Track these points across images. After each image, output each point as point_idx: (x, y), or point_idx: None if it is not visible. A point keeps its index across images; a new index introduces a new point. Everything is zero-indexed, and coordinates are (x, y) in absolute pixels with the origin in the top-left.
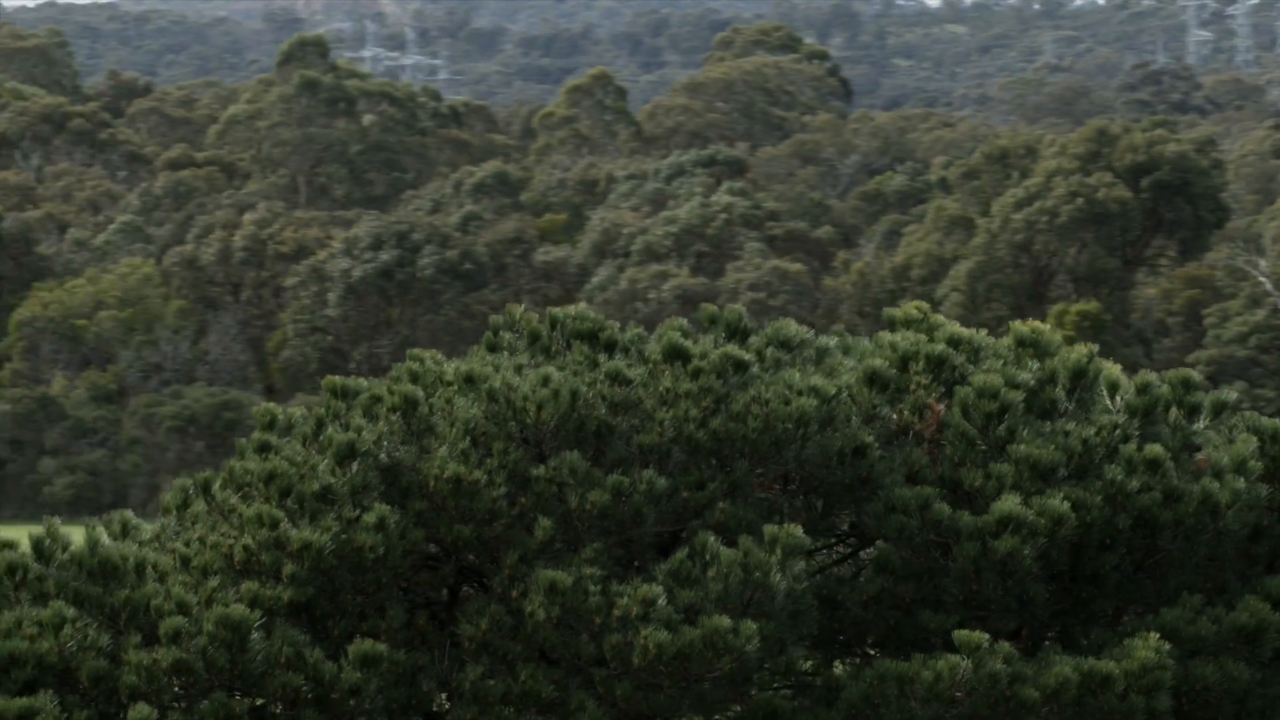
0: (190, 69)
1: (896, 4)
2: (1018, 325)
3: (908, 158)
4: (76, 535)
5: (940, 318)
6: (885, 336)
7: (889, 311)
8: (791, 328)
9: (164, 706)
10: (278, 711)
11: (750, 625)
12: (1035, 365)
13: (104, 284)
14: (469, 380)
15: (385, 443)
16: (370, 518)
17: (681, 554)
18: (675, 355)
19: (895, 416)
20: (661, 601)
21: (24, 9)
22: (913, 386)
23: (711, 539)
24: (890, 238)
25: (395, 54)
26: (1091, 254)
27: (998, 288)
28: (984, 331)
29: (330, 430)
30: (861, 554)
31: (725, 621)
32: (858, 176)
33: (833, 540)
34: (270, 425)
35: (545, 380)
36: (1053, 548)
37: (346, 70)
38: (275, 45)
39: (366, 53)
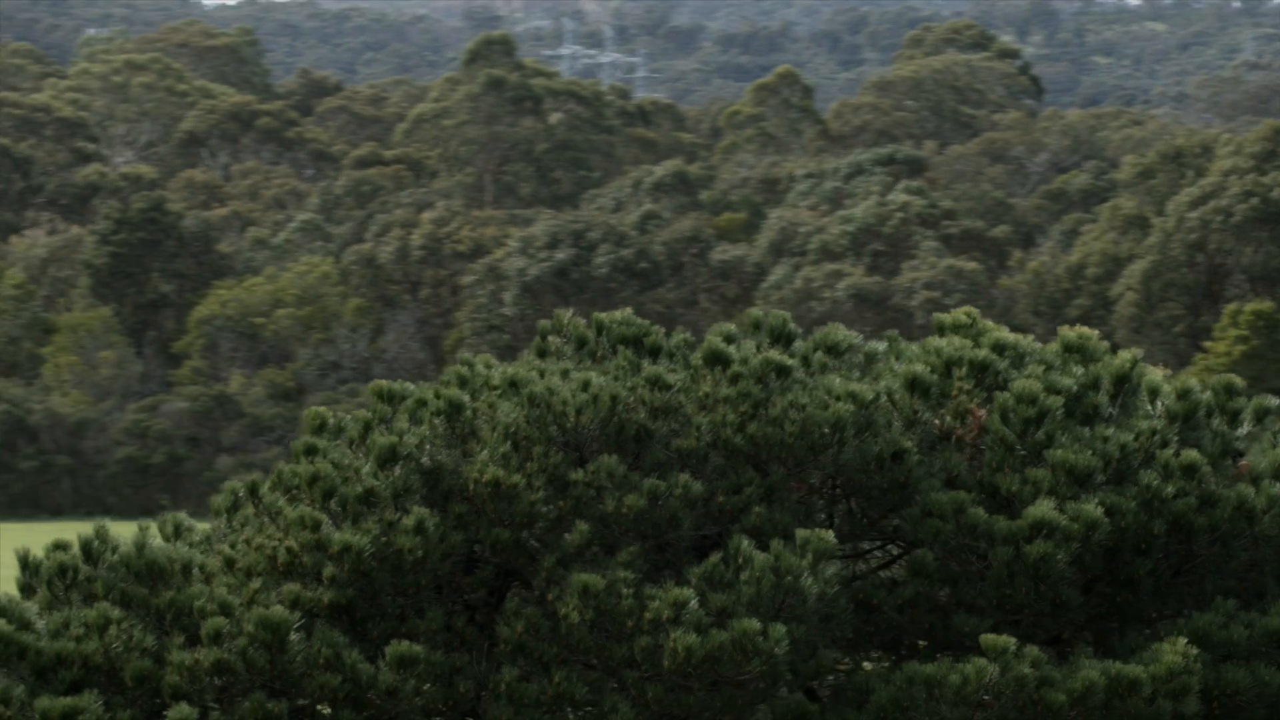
0: (389, 67)
1: (1096, 1)
2: (1065, 330)
3: (1097, 156)
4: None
5: (989, 324)
6: (932, 342)
7: (938, 317)
8: (840, 333)
9: (205, 706)
10: (316, 712)
11: (780, 628)
12: (1080, 371)
13: (282, 282)
14: (512, 385)
15: (428, 446)
16: (409, 521)
17: (715, 558)
18: (715, 360)
19: (938, 421)
20: (693, 605)
21: (224, 7)
22: (954, 392)
23: (745, 543)
24: (1070, 237)
25: (593, 52)
26: (1267, 253)
27: (1172, 287)
28: (1030, 337)
29: (375, 434)
30: (895, 557)
31: (755, 625)
32: (1047, 175)
33: (871, 545)
34: (320, 429)
35: (585, 385)
36: (1086, 552)
37: (533, 69)
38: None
39: (565, 50)
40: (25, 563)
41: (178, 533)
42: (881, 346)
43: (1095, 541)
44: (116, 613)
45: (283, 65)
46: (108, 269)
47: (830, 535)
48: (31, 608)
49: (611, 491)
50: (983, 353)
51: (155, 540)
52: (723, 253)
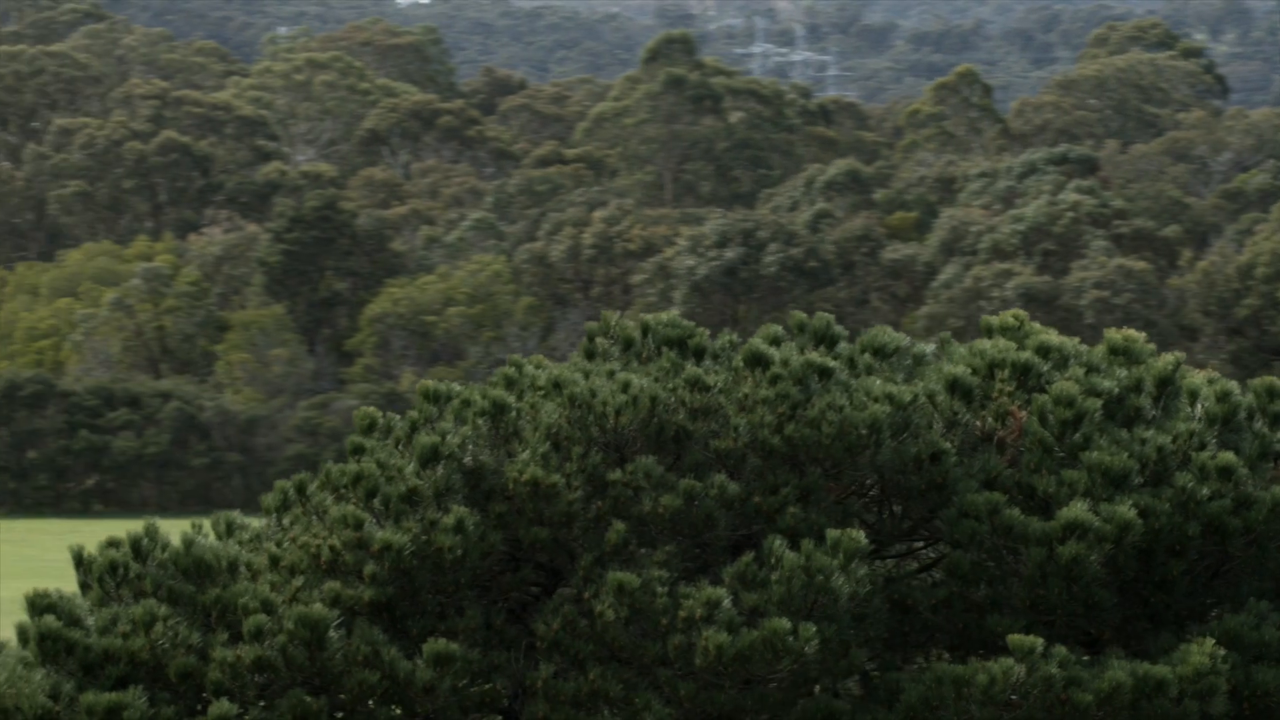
0: (580, 65)
1: None
2: (1111, 333)
3: None
4: None
5: (1036, 326)
6: (979, 344)
7: (986, 319)
8: (887, 335)
9: (247, 702)
10: (355, 708)
11: (810, 628)
12: (1123, 373)
13: (454, 280)
14: (555, 386)
15: (470, 446)
16: (449, 520)
17: (747, 557)
18: (755, 362)
19: (979, 423)
20: (726, 604)
21: (417, 5)
22: (995, 393)
23: (778, 542)
24: (1244, 236)
25: (785, 50)
26: None
27: None
28: (1077, 340)
29: (419, 434)
30: (935, 560)
31: (784, 624)
32: (1229, 174)
33: (907, 545)
34: (370, 429)
35: (625, 386)
36: (1119, 554)
37: (713, 68)
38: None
39: (756, 49)
40: (80, 560)
41: (229, 531)
42: (930, 349)
43: (1128, 543)
44: (163, 610)
45: (475, 63)
46: (281, 267)
47: (861, 535)
48: (83, 604)
49: (649, 491)
50: (1026, 355)
51: (204, 538)
52: (894, 252)
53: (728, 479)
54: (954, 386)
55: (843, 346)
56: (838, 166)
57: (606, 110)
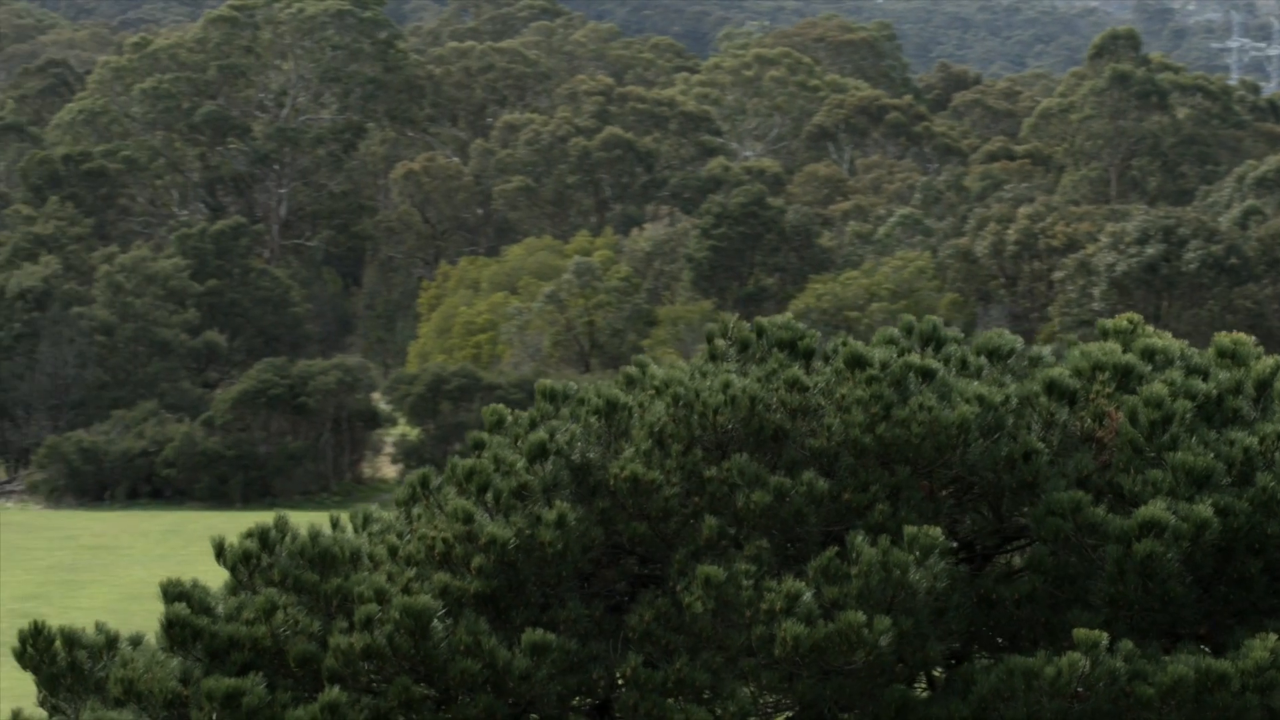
0: (1057, 60)
1: None
2: (1220, 336)
3: None
4: None
5: (1149, 329)
6: (1088, 346)
7: (1101, 322)
8: (1003, 338)
9: (359, 689)
10: (459, 697)
11: (884, 621)
12: (1224, 375)
13: (878, 276)
14: (665, 385)
15: (579, 443)
16: (551, 515)
17: (830, 552)
18: (855, 364)
19: (1078, 424)
20: (807, 597)
21: (895, 1)
22: (1092, 394)
23: (859, 538)
24: None
25: (1262, 45)
26: None
27: None
28: (1184, 343)
29: (536, 431)
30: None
31: (860, 617)
32: None
33: (996, 543)
34: (497, 425)
35: (726, 386)
36: (1197, 551)
37: (1159, 64)
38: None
39: (1233, 43)
40: (220, 549)
41: (365, 523)
42: (1047, 351)
43: (1206, 541)
44: (285, 598)
45: (953, 57)
46: (709, 263)
47: (938, 532)
48: (215, 592)
49: (743, 488)
50: (1128, 358)
51: (339, 530)
52: None
53: (819, 476)
54: (1051, 388)
55: (954, 349)
56: (1269, 163)
57: (1052, 106)
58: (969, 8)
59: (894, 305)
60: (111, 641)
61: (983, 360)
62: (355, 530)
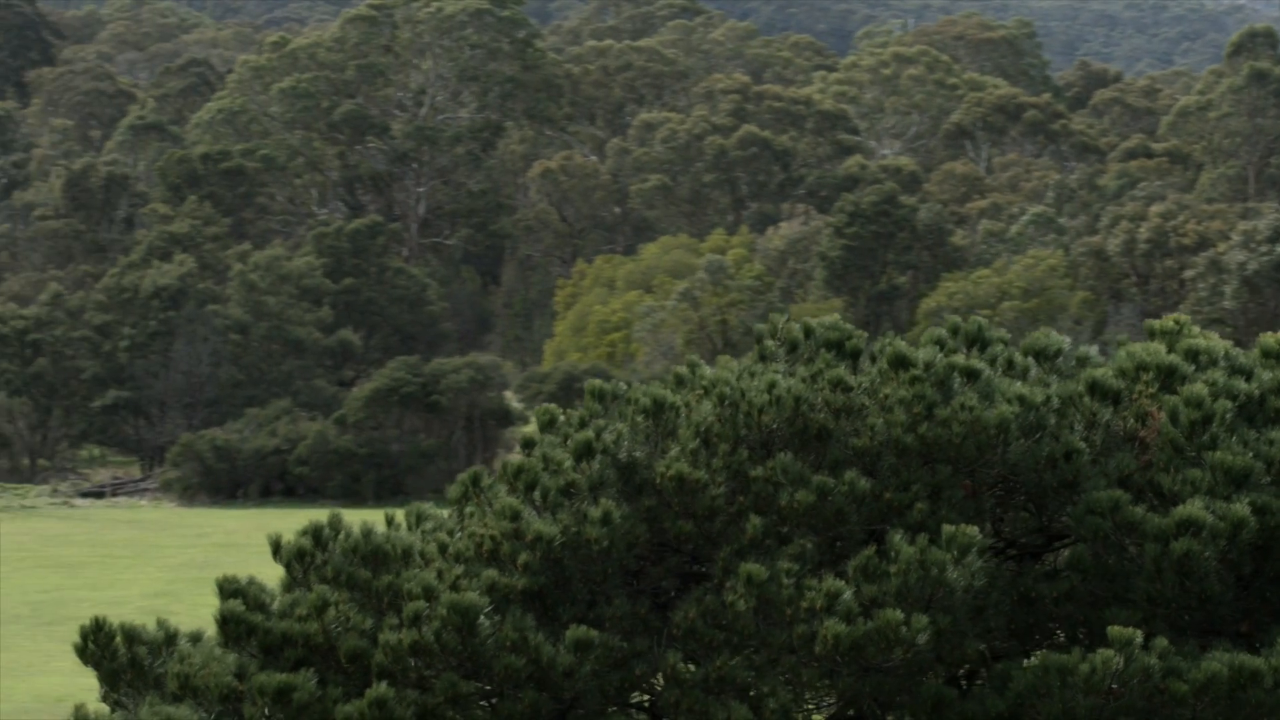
0: (1204, 57)
1: None
2: (1265, 337)
3: None
4: None
5: (1195, 330)
6: (1133, 346)
7: (1149, 323)
8: (1050, 338)
9: (407, 685)
10: (504, 692)
11: (922, 619)
12: (1267, 375)
13: (1010, 275)
14: (714, 385)
15: (625, 442)
16: (596, 513)
17: (870, 551)
18: (899, 364)
19: (1121, 423)
20: (847, 595)
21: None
22: (1135, 394)
23: (898, 537)
24: None
25: None
26: None
27: None
28: (1230, 344)
29: (584, 430)
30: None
31: (898, 615)
32: None
33: (1038, 541)
34: (549, 424)
35: (771, 386)
36: (1234, 550)
37: None
38: None
39: None
40: (276, 547)
41: (419, 521)
42: (1094, 351)
43: (1243, 539)
44: (337, 595)
45: (1100, 55)
46: (841, 261)
47: (974, 530)
48: (271, 589)
49: (786, 487)
50: (1171, 357)
51: (394, 528)
52: None
53: (861, 476)
54: (1094, 388)
55: (999, 349)
56: None
57: (1191, 104)
58: (1115, 5)
59: (1025, 304)
60: (171, 637)
61: (1029, 361)
62: (409, 528)
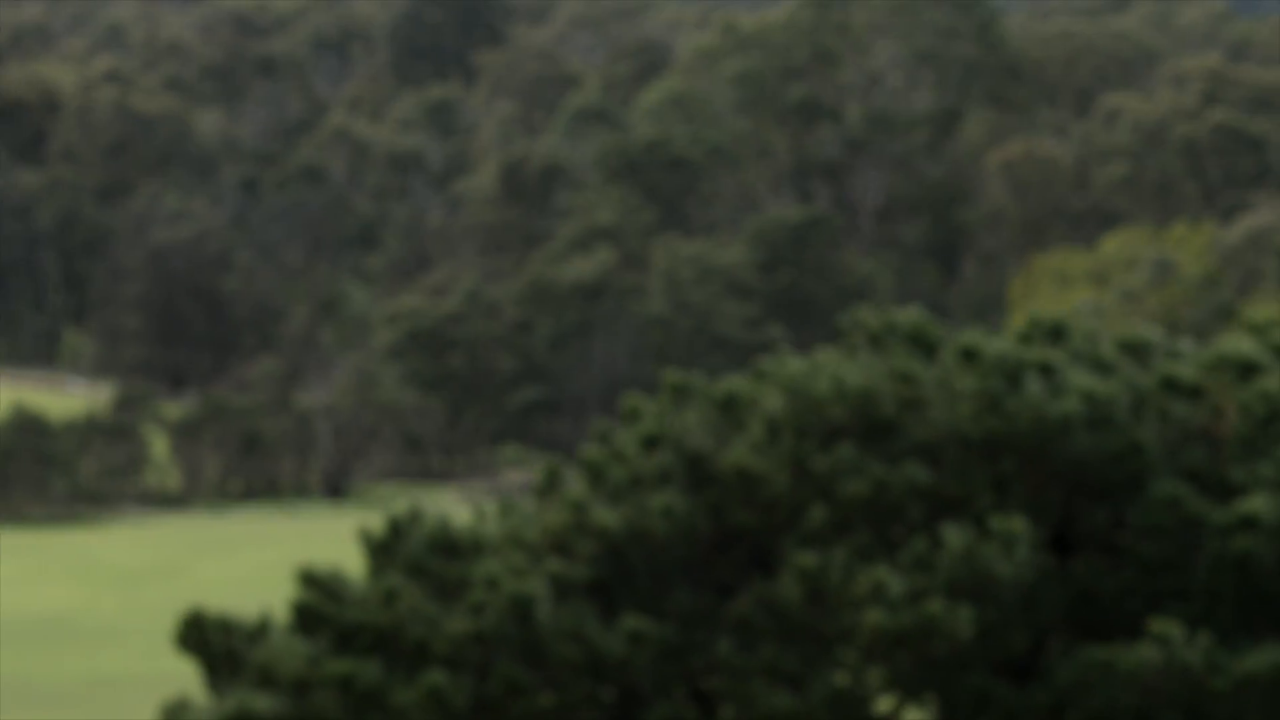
0: None
1: None
2: None
3: None
4: None
5: None
6: (1222, 340)
7: (1245, 315)
8: (1145, 334)
9: (469, 673)
10: (561, 681)
11: (965, 611)
12: None
13: None
14: (789, 378)
15: (694, 434)
16: (657, 504)
17: (921, 542)
18: (967, 356)
19: (1198, 418)
20: (895, 585)
21: None
22: (1211, 389)
23: (951, 529)
24: None
25: None
26: None
27: None
28: None
29: (651, 422)
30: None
31: (939, 606)
32: None
33: (1104, 535)
34: (633, 416)
35: (837, 378)
36: None
37: None
38: None
39: None
40: (367, 539)
41: (504, 512)
42: (1186, 345)
43: None
44: (407, 585)
45: None
46: None
47: (1020, 523)
48: (349, 580)
49: (846, 477)
50: (1252, 352)
51: (459, 519)
52: None
53: (921, 468)
54: (1168, 383)
55: (1081, 344)
56: None
57: None
58: None
59: None
60: (264, 628)
61: (1117, 355)
62: (494, 519)
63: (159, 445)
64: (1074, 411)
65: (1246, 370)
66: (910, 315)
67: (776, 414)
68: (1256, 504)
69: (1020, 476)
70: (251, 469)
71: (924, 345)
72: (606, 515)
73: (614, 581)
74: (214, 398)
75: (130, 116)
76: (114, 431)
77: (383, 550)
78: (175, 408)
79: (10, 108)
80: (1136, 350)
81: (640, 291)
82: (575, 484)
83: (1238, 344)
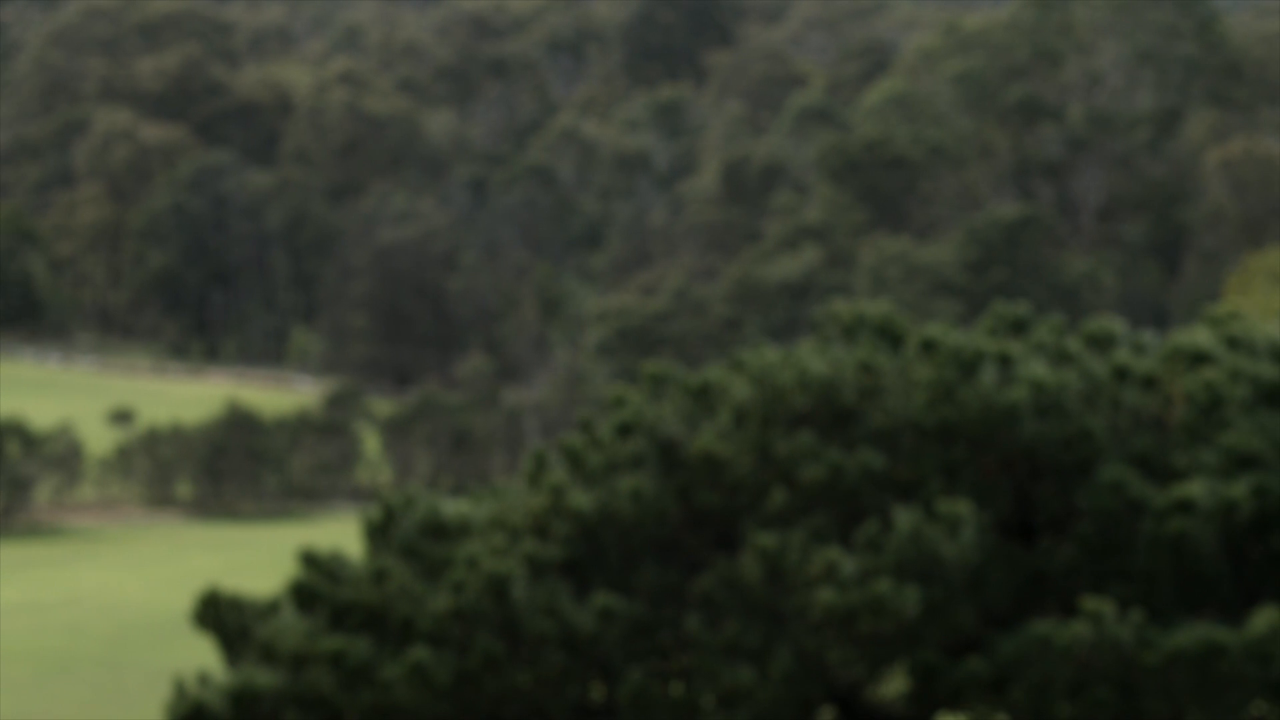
0: None
1: None
2: None
3: None
4: None
5: (1244, 319)
6: (1178, 333)
7: (1207, 310)
8: (1106, 326)
9: (451, 649)
10: (535, 656)
11: (911, 590)
12: None
13: None
14: (758, 369)
15: (667, 421)
16: (626, 487)
17: (873, 524)
18: (927, 347)
19: (1151, 406)
20: (848, 565)
21: None
22: (1161, 378)
23: (902, 513)
24: None
25: None
26: None
27: None
28: None
29: (625, 410)
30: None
31: (886, 585)
32: None
33: (1054, 518)
34: (619, 404)
35: (800, 368)
36: (1229, 529)
37: None
38: None
39: None
40: (367, 523)
41: (494, 496)
42: (1149, 337)
43: (1239, 520)
44: (399, 565)
45: None
46: None
47: (965, 506)
48: (347, 561)
49: (806, 462)
50: (1205, 344)
51: (450, 504)
52: None
53: (875, 454)
54: (1120, 373)
55: (1045, 335)
56: None
57: None
58: None
59: None
60: (273, 606)
61: (1080, 347)
62: (486, 504)
63: (370, 442)
64: (1022, 399)
65: (1197, 360)
66: (879, 308)
67: (744, 402)
68: (1193, 488)
69: (971, 462)
70: (461, 465)
71: (890, 337)
72: (581, 498)
73: (587, 561)
74: (425, 395)
75: (361, 117)
76: (326, 429)
77: (379, 533)
78: (387, 405)
79: (244, 109)
80: (1100, 342)
81: (847, 289)
82: (556, 469)
83: (1194, 336)
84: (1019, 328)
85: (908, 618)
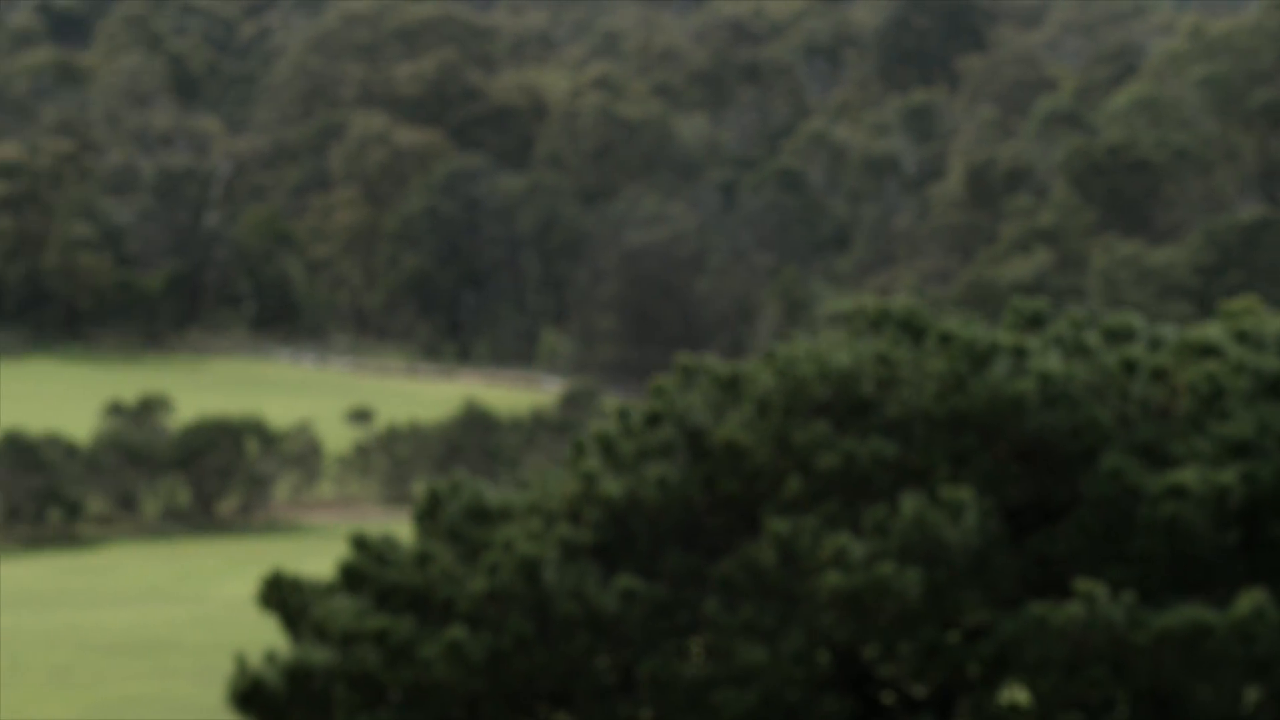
0: None
1: None
2: None
3: None
4: None
5: (1260, 312)
6: (1192, 327)
7: (1223, 304)
8: (1125, 319)
9: (487, 629)
10: (565, 635)
11: (914, 573)
12: None
13: None
14: (784, 360)
15: (695, 411)
16: (653, 474)
17: (881, 509)
18: (943, 339)
19: (1159, 397)
20: (856, 549)
21: None
22: (1168, 370)
23: (908, 498)
24: None
25: None
26: None
27: None
28: None
29: (655, 400)
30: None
31: (889, 568)
32: None
33: (1059, 505)
34: (658, 394)
35: (820, 360)
36: (1221, 513)
37: None
38: None
39: None
40: (416, 508)
41: (536, 483)
42: (1169, 331)
43: (1231, 505)
44: (443, 548)
45: None
46: None
47: (967, 492)
48: (396, 544)
49: (821, 450)
50: (1214, 338)
51: (492, 491)
52: None
53: (886, 442)
54: (1128, 365)
55: (1063, 329)
56: None
57: None
58: None
59: None
60: (331, 588)
61: (1097, 341)
62: (528, 490)
63: None
64: (1029, 390)
65: (1205, 353)
66: (903, 302)
67: (768, 392)
68: (1187, 475)
69: (980, 450)
70: None
71: (913, 330)
72: (612, 485)
73: (616, 545)
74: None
75: (615, 121)
76: (559, 428)
77: (428, 516)
78: (618, 404)
79: (499, 113)
80: (1118, 336)
81: (1078, 292)
82: (592, 457)
83: (1205, 330)
84: (1037, 322)
85: (911, 599)
